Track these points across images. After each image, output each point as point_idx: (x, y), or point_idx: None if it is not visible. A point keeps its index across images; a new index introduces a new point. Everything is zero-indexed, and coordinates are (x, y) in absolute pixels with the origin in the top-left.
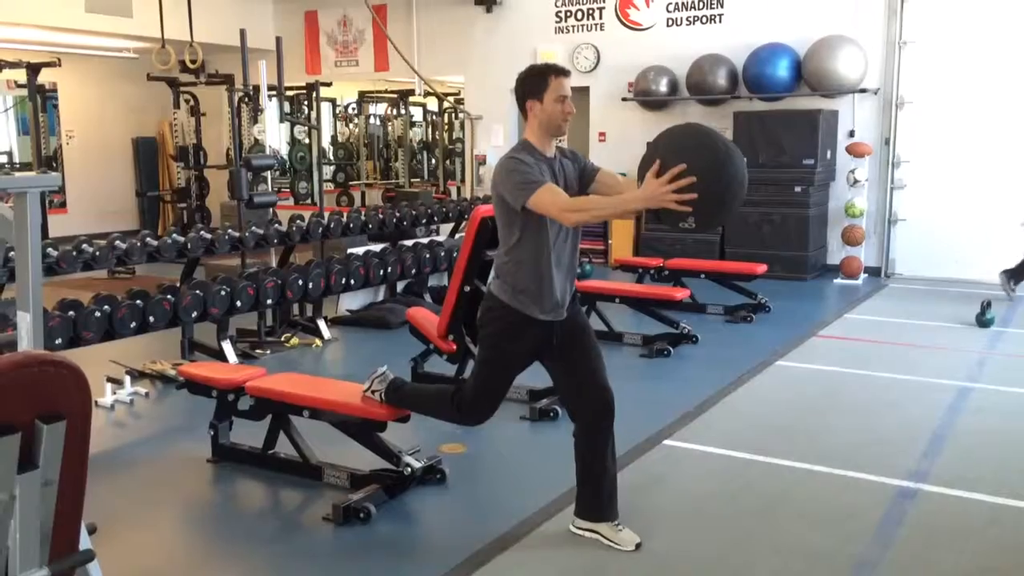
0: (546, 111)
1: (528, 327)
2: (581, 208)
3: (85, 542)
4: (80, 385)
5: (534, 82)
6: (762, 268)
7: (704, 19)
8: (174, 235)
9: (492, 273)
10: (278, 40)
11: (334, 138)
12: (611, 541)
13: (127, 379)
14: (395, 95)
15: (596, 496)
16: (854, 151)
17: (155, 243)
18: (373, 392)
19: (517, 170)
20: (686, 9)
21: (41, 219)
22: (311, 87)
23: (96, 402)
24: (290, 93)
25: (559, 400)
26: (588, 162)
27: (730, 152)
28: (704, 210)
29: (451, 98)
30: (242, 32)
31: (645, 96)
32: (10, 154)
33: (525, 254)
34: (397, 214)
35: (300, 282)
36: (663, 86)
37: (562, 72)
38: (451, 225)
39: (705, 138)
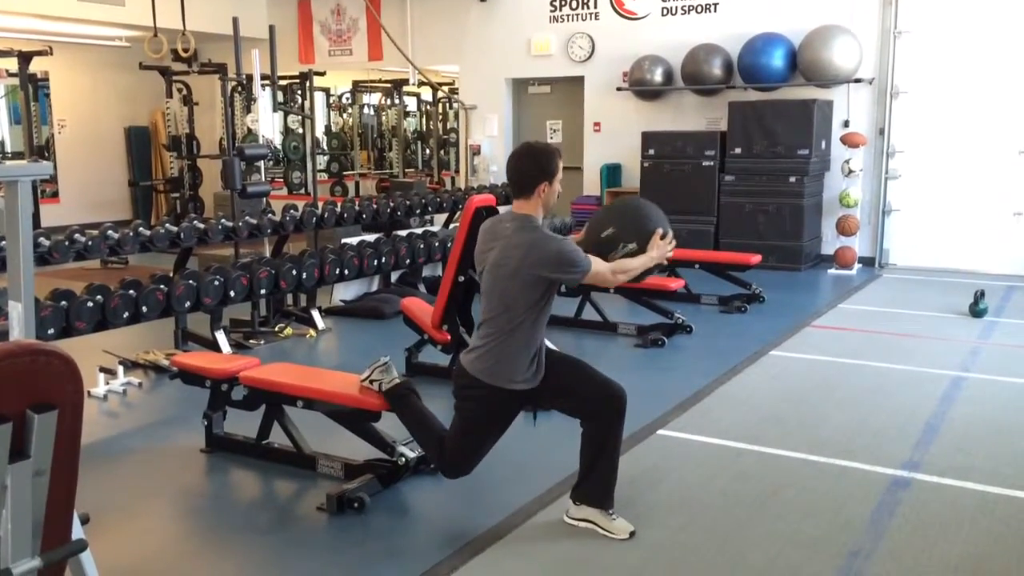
0: (553, 192)
1: (511, 400)
2: (623, 270)
3: (78, 532)
4: (72, 375)
5: (551, 165)
6: (756, 258)
7: (699, 8)
8: (167, 225)
9: (469, 351)
10: (271, 29)
11: (328, 128)
12: (605, 530)
13: (120, 369)
14: (389, 84)
15: (598, 485)
16: (849, 141)
17: (148, 233)
18: (372, 382)
19: (571, 249)
20: None
21: (34, 209)
22: (304, 76)
23: (89, 392)
24: (283, 82)
25: (566, 413)
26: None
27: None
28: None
29: (445, 88)
30: (235, 20)
31: (640, 86)
32: (2, 144)
33: (528, 329)
34: (391, 204)
35: (294, 272)
36: (658, 76)
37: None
38: (445, 215)
39: (649, 205)
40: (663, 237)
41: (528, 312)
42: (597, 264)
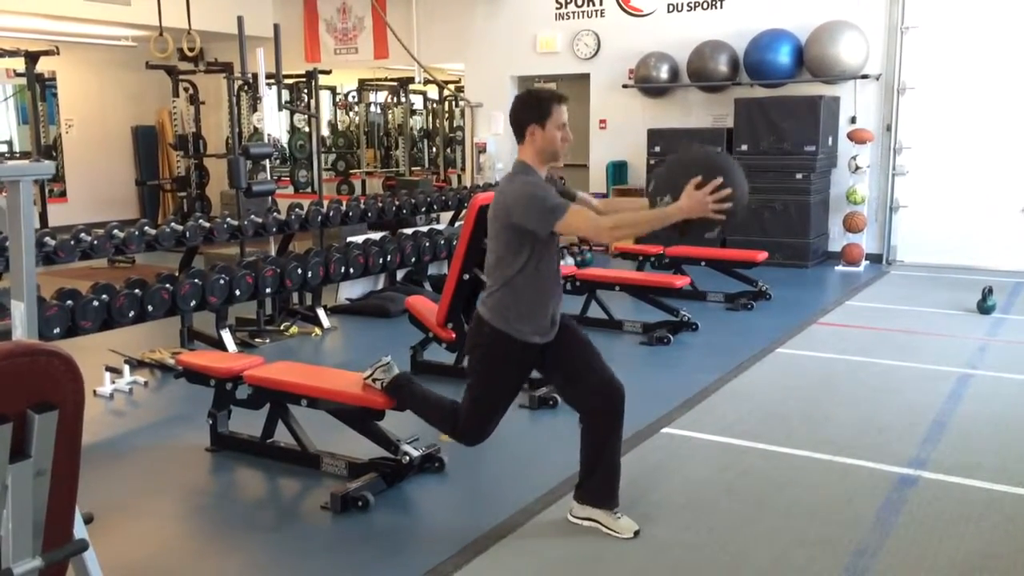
0: (547, 138)
1: (524, 352)
2: (620, 225)
3: (81, 531)
4: (72, 375)
5: (536, 107)
6: (763, 255)
7: (705, 5)
8: (172, 224)
9: (483, 297)
10: (276, 27)
11: (334, 126)
12: (609, 529)
13: (126, 368)
14: (395, 83)
15: (600, 484)
16: (856, 137)
17: (153, 232)
18: (375, 380)
19: (536, 195)
20: None
21: (42, 208)
22: (310, 75)
23: (95, 391)
24: (289, 81)
25: (565, 400)
26: (566, 188)
27: (738, 167)
28: (731, 219)
29: (451, 86)
30: (239, 19)
31: (645, 83)
32: (10, 143)
33: (528, 279)
34: (396, 202)
35: (299, 271)
36: (664, 73)
37: (564, 99)
38: (451, 213)
39: (723, 156)
40: (700, 187)
41: (516, 259)
42: (579, 217)
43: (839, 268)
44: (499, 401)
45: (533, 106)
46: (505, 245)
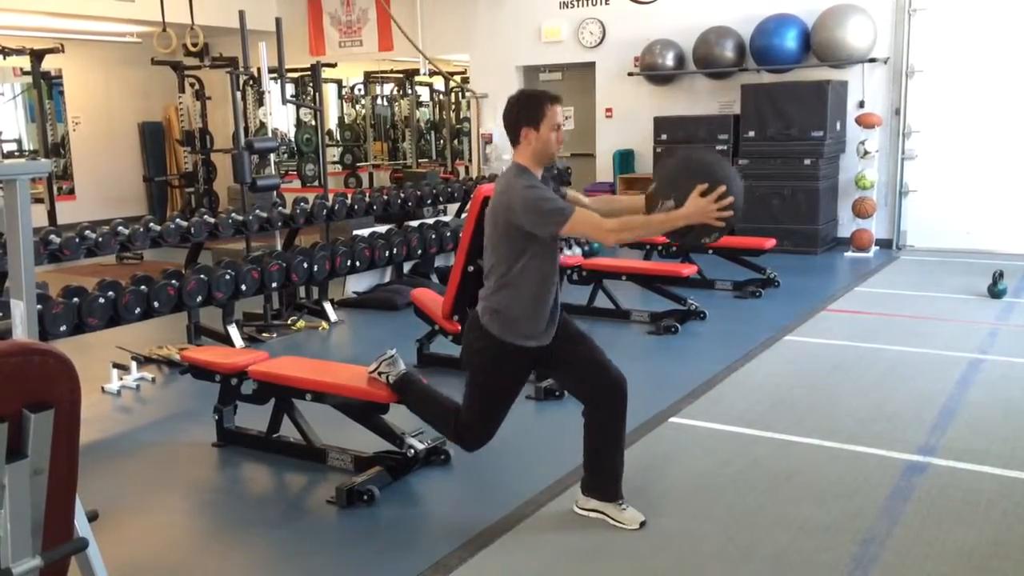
0: (542, 139)
1: (521, 356)
2: (626, 228)
3: (85, 529)
4: (67, 373)
5: (530, 108)
6: (771, 242)
7: None
8: (177, 220)
9: (480, 299)
10: (278, 21)
11: (341, 119)
12: (616, 520)
13: (133, 365)
14: (401, 75)
15: (604, 476)
16: (864, 122)
17: (158, 228)
18: (380, 374)
19: (538, 197)
20: None
21: (50, 206)
22: (314, 68)
23: (103, 388)
24: (295, 75)
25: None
26: (556, 187)
27: (737, 174)
28: (729, 226)
29: (457, 77)
30: (241, 14)
31: (651, 71)
32: (19, 141)
33: (527, 281)
34: (402, 195)
35: (305, 265)
36: (670, 60)
37: (557, 100)
38: (457, 205)
39: (725, 162)
40: (705, 194)
41: (515, 262)
42: (583, 220)
43: (848, 254)
44: (498, 406)
45: (527, 108)
46: (507, 247)
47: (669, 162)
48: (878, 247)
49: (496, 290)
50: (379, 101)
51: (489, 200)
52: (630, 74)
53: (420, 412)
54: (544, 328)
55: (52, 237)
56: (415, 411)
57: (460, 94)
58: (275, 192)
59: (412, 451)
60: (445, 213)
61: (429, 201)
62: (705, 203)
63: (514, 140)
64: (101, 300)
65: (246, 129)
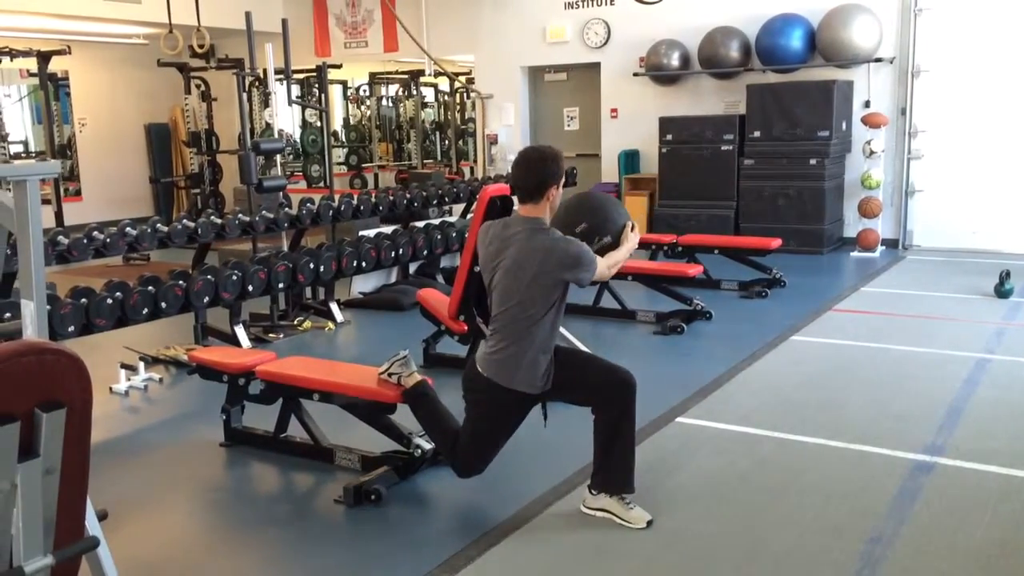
0: (559, 195)
1: (520, 402)
2: (612, 265)
3: (95, 528)
4: (80, 374)
5: (560, 168)
6: (777, 242)
7: None
8: (184, 221)
9: (486, 352)
10: (284, 22)
11: (346, 120)
12: (622, 519)
13: (141, 365)
14: (406, 76)
15: (613, 474)
16: (870, 122)
17: (165, 229)
18: (391, 375)
19: (583, 251)
20: None
21: (57, 207)
22: (320, 69)
23: (111, 388)
24: (300, 76)
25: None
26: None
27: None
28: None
29: (462, 78)
30: (247, 15)
31: (657, 71)
32: (26, 143)
33: (544, 330)
34: (408, 195)
35: (311, 265)
36: (675, 60)
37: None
38: (462, 205)
39: (610, 198)
40: (633, 229)
41: (546, 313)
42: (600, 262)
43: (855, 254)
44: (493, 443)
45: (556, 165)
46: (537, 299)
47: (588, 205)
48: (884, 247)
49: (512, 341)
50: (384, 102)
51: (496, 200)
52: (635, 74)
53: (425, 427)
54: (547, 378)
55: (60, 238)
56: (421, 424)
57: (465, 95)
58: (281, 193)
59: (419, 451)
60: (450, 214)
61: (434, 202)
62: (634, 237)
63: (538, 196)
64: (109, 301)
65: (252, 130)
